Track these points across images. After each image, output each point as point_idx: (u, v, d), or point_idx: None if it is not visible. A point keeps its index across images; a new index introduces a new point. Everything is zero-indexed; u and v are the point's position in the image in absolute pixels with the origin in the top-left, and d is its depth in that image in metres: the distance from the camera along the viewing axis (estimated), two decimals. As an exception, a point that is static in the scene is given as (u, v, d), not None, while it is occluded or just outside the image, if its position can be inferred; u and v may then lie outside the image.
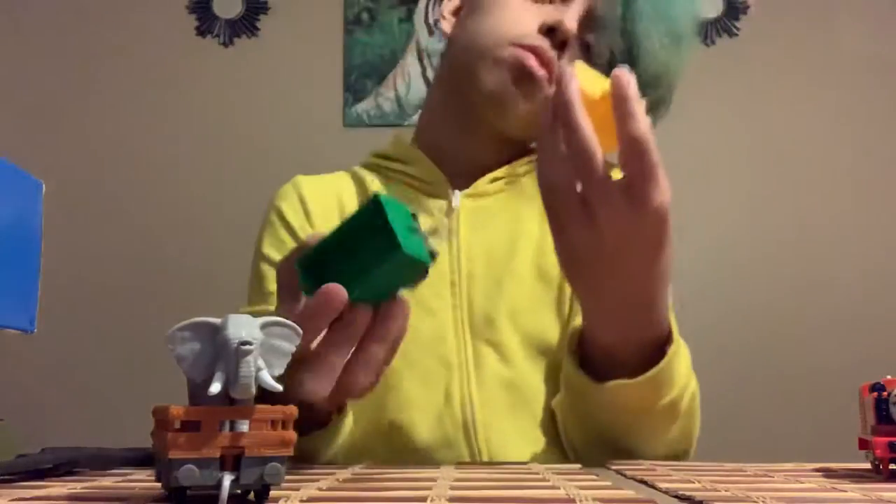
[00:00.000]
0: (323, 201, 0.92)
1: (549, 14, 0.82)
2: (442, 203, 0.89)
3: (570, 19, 0.82)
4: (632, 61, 0.81)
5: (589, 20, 0.84)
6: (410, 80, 2.16)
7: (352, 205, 0.91)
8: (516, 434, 0.79)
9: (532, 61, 0.81)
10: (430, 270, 0.85)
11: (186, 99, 2.16)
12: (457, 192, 0.89)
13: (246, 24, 2.17)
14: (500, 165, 0.91)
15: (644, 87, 0.83)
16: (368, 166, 0.95)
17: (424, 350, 0.83)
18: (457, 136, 0.90)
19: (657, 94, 0.84)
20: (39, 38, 2.18)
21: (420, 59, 2.17)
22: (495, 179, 0.90)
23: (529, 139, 0.91)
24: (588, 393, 0.64)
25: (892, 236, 2.08)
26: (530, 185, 0.91)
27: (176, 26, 2.17)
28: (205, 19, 2.18)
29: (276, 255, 0.89)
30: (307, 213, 0.91)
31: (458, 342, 0.82)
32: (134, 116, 2.16)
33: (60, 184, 1.99)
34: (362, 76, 2.16)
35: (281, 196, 0.95)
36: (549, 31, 0.82)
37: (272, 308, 0.83)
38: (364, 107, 2.15)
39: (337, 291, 0.49)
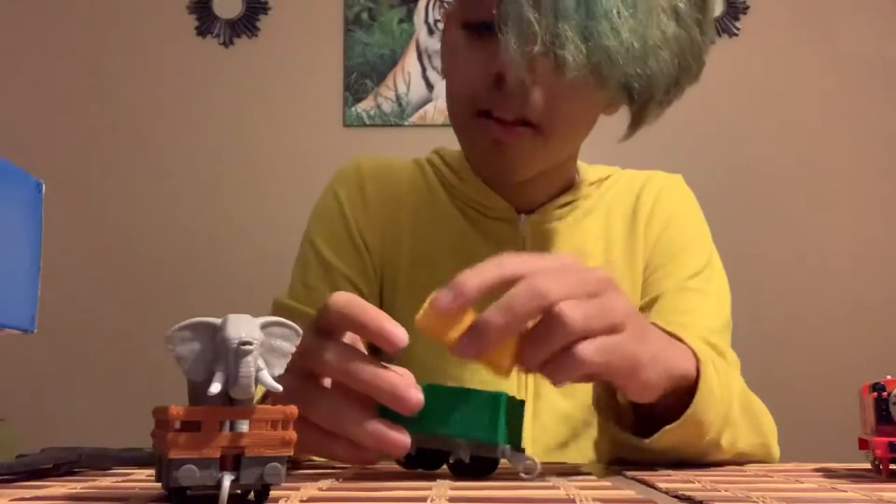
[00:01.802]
0: (384, 190, 0.89)
1: (492, 56, 0.72)
2: (508, 227, 0.85)
3: (506, 66, 0.71)
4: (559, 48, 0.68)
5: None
6: (410, 80, 2.16)
7: (414, 199, 0.88)
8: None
9: (495, 133, 0.75)
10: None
11: (186, 99, 2.16)
12: (522, 216, 0.85)
13: (246, 24, 2.17)
14: (557, 191, 0.87)
15: (597, 79, 0.68)
16: (434, 168, 0.91)
17: (485, 382, 0.81)
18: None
19: (608, 81, 0.69)
20: (40, 38, 2.18)
21: (420, 59, 2.17)
22: (563, 205, 0.86)
23: (553, 167, 0.84)
24: (633, 445, 0.61)
25: (891, 235, 2.08)
26: (591, 205, 0.88)
27: (176, 26, 2.17)
28: (205, 19, 2.18)
29: (326, 249, 0.87)
30: (365, 201, 0.88)
31: (519, 376, 0.79)
32: (134, 116, 2.17)
33: (60, 184, 2.00)
34: (362, 76, 2.16)
35: (339, 178, 0.91)
36: (500, 78, 0.73)
37: (310, 312, 0.82)
38: (364, 107, 2.15)
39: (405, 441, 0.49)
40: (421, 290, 0.85)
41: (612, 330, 0.51)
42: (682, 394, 0.58)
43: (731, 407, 0.62)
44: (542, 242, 0.85)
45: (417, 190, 0.89)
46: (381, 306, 0.86)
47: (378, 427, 0.49)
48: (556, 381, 0.50)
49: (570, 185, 0.88)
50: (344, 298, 0.52)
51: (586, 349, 0.49)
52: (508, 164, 0.78)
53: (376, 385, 0.49)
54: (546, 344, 0.49)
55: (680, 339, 0.62)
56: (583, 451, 0.80)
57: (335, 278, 0.85)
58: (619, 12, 0.66)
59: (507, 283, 0.49)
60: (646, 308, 0.84)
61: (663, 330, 0.62)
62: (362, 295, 0.85)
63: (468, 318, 0.49)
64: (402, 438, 0.49)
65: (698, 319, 0.82)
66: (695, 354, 0.60)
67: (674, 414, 0.58)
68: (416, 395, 0.48)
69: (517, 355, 0.50)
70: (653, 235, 0.88)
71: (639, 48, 0.68)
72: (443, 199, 0.88)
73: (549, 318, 0.49)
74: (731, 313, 0.88)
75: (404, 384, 0.49)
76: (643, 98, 0.74)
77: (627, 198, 0.90)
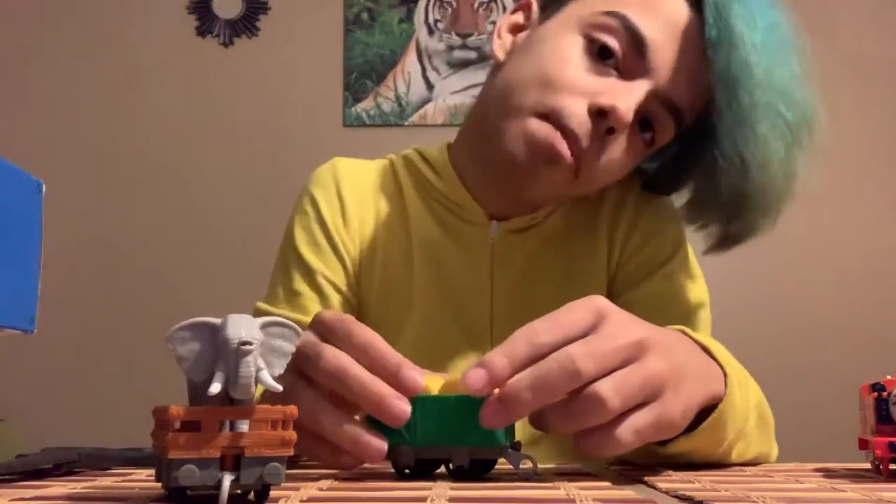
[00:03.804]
0: (359, 192, 0.88)
1: (606, 89, 0.72)
2: (478, 231, 0.85)
3: (627, 105, 0.71)
4: (712, 166, 0.74)
5: (658, 100, 0.75)
6: (410, 80, 2.16)
7: (386, 202, 0.88)
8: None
9: (563, 148, 0.72)
10: (462, 310, 0.84)
11: (186, 99, 2.16)
12: (494, 222, 0.84)
13: (246, 24, 2.17)
14: (532, 208, 0.85)
15: (721, 208, 0.76)
16: (409, 166, 0.90)
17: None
18: (480, 175, 0.84)
19: (737, 218, 0.76)
20: (40, 38, 2.18)
21: (420, 59, 2.17)
22: (533, 218, 0.85)
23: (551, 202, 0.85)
24: (644, 449, 0.61)
25: (892, 235, 2.08)
26: (556, 221, 0.86)
27: (176, 26, 2.17)
28: (205, 19, 2.18)
29: (308, 253, 0.86)
30: (342, 204, 0.87)
31: None
32: (134, 116, 2.16)
33: (60, 184, 2.00)
34: (362, 76, 2.16)
35: (317, 181, 0.90)
36: (600, 112, 0.72)
37: (298, 317, 0.81)
38: (364, 107, 2.15)
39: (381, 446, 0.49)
40: (393, 297, 0.85)
41: (650, 398, 0.49)
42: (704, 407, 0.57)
43: (746, 421, 0.61)
44: (509, 250, 0.84)
45: (390, 193, 0.88)
46: (358, 311, 0.86)
47: (355, 431, 0.49)
48: (593, 458, 0.49)
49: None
50: (368, 336, 0.51)
51: (625, 433, 0.48)
52: (535, 180, 0.76)
53: (364, 396, 0.49)
54: (580, 422, 0.48)
55: (708, 352, 0.60)
56: (555, 446, 0.79)
57: (320, 283, 0.85)
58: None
59: (541, 358, 0.48)
60: (620, 307, 0.83)
61: (692, 339, 0.60)
62: (346, 299, 0.85)
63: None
64: (380, 444, 0.49)
65: (674, 307, 0.82)
66: (723, 371, 0.58)
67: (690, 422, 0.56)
68: (402, 407, 0.48)
69: (545, 419, 0.49)
70: (620, 235, 0.86)
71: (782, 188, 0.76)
72: (414, 202, 0.87)
73: (584, 398, 0.47)
74: (709, 308, 0.87)
75: (392, 395, 0.48)
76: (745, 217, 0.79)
77: (590, 197, 0.87)
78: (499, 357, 0.48)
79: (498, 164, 0.78)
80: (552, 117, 0.73)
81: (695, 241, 0.90)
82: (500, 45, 0.82)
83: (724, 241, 0.83)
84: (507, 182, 0.79)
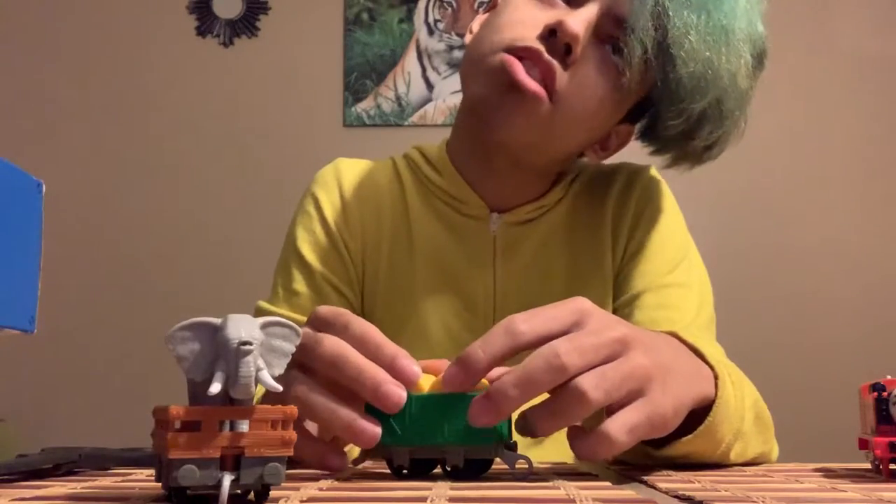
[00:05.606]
0: (361, 192, 0.89)
1: (552, 17, 0.75)
2: (480, 225, 0.85)
3: (574, 22, 0.73)
4: (668, 59, 0.74)
5: (613, 21, 0.76)
6: (410, 80, 2.16)
7: (390, 203, 0.88)
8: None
9: (518, 72, 0.74)
10: (466, 305, 0.84)
11: (186, 99, 2.16)
12: (494, 215, 0.85)
13: (246, 24, 2.17)
14: (533, 195, 0.86)
15: (687, 95, 0.75)
16: (411, 165, 0.90)
17: None
18: (477, 162, 0.85)
19: (702, 104, 0.76)
20: (39, 38, 2.18)
21: (420, 59, 2.18)
22: (535, 209, 0.85)
23: (536, 163, 0.84)
24: (643, 452, 0.59)
25: (892, 235, 2.08)
26: (560, 215, 0.87)
27: (176, 26, 2.17)
28: (205, 19, 2.18)
29: (310, 254, 0.86)
30: (344, 204, 0.88)
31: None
32: (134, 116, 2.17)
33: (60, 184, 2.00)
34: (362, 76, 2.16)
35: (320, 182, 0.90)
36: (551, 33, 0.74)
37: (296, 316, 0.81)
38: (364, 107, 2.15)
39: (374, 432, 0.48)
40: (397, 295, 0.85)
41: (636, 394, 0.49)
42: (699, 409, 0.57)
43: (743, 421, 0.61)
44: (511, 243, 0.85)
45: (393, 193, 0.89)
46: (362, 312, 0.86)
47: (349, 415, 0.48)
48: (590, 460, 0.49)
49: (548, 188, 0.87)
50: (364, 328, 0.51)
51: (618, 433, 0.48)
52: (506, 115, 0.76)
53: (361, 381, 0.48)
54: (564, 419, 0.48)
55: (699, 353, 0.60)
56: (559, 447, 0.79)
57: (320, 284, 0.85)
58: (732, 46, 0.75)
59: (520, 349, 0.48)
60: (625, 305, 0.83)
61: (683, 341, 0.60)
62: (346, 300, 0.85)
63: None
64: (373, 429, 0.48)
65: (682, 315, 0.81)
66: (714, 372, 0.58)
67: (686, 425, 0.56)
68: (398, 393, 0.48)
69: (529, 422, 0.49)
70: (624, 231, 0.86)
71: (729, 82, 0.75)
72: (415, 201, 0.87)
73: (566, 393, 0.47)
74: (713, 305, 0.87)
75: (388, 381, 0.48)
76: (688, 134, 0.79)
77: (594, 192, 0.88)
78: (475, 350, 0.48)
79: (472, 116, 0.80)
80: (507, 49, 0.76)
81: (691, 228, 0.90)
82: (470, 37, 0.86)
83: (687, 157, 0.84)
84: (484, 129, 0.79)
